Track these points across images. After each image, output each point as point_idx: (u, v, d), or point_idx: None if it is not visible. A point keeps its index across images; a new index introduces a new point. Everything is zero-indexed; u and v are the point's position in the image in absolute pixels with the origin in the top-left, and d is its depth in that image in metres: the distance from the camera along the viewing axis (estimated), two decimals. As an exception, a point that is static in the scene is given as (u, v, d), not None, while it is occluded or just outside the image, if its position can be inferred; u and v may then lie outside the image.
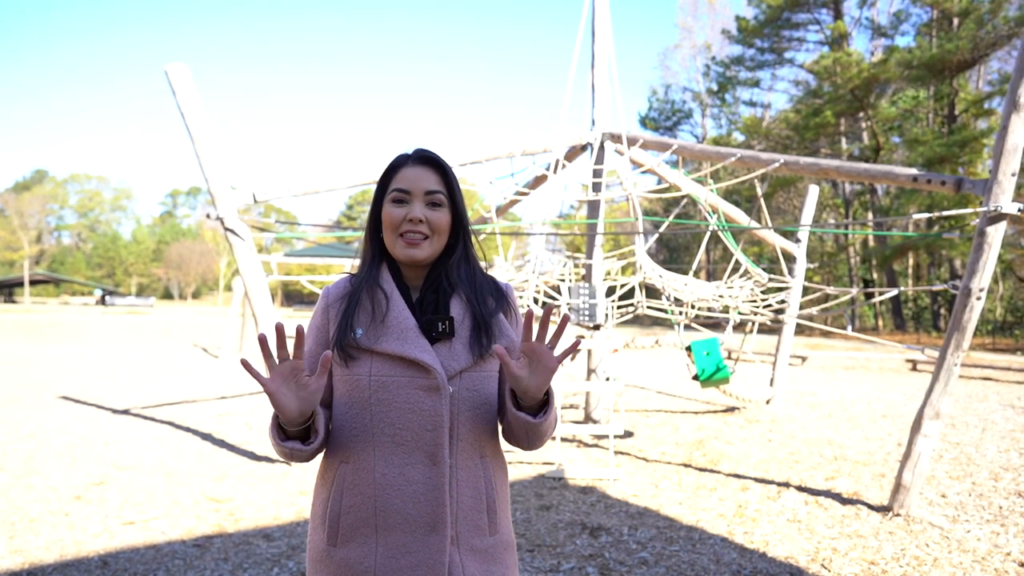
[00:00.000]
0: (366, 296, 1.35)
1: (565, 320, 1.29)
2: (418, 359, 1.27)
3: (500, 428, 1.42)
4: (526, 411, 1.30)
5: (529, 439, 1.35)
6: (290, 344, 1.21)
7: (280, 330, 1.15)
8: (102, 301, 53.27)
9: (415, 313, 1.34)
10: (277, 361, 1.19)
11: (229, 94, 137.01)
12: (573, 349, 1.29)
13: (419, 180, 1.35)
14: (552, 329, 1.27)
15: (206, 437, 6.64)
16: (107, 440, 6.44)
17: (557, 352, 1.24)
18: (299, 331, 1.25)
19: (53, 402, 8.77)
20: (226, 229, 5.08)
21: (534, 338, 1.24)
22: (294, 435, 1.27)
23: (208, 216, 5.16)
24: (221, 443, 6.37)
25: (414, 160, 1.38)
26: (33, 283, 61.82)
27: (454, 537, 1.28)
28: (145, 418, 7.69)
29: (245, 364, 1.16)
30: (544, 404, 1.32)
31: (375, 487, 1.27)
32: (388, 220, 1.35)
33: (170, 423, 7.36)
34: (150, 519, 4.15)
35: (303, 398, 1.19)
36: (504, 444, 1.44)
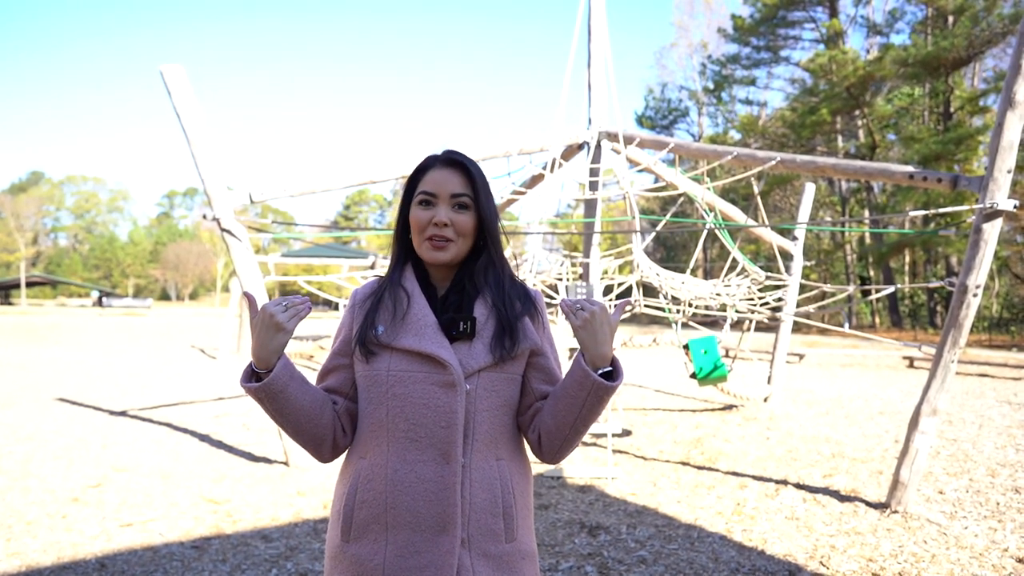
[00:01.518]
0: (389, 295, 1.37)
1: (625, 303, 1.45)
2: (434, 354, 1.28)
3: (530, 435, 1.39)
4: (599, 373, 1.28)
5: (582, 419, 1.30)
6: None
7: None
8: (99, 303, 53.12)
9: (437, 312, 1.35)
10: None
11: (225, 95, 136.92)
12: (625, 304, 1.40)
13: (445, 183, 1.36)
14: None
15: (204, 438, 6.63)
16: (105, 442, 6.43)
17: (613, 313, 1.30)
18: (249, 297, 1.30)
19: (50, 404, 8.74)
20: (223, 230, 5.07)
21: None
22: (260, 379, 1.30)
23: (205, 217, 5.14)
24: (219, 444, 6.36)
25: (442, 162, 1.39)
26: (30, 285, 61.62)
27: (465, 540, 1.27)
28: (143, 420, 7.67)
29: (248, 295, 1.27)
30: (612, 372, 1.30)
31: (387, 483, 1.28)
32: (415, 222, 1.37)
33: (168, 425, 7.35)
34: (148, 521, 4.14)
35: (278, 338, 1.27)
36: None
